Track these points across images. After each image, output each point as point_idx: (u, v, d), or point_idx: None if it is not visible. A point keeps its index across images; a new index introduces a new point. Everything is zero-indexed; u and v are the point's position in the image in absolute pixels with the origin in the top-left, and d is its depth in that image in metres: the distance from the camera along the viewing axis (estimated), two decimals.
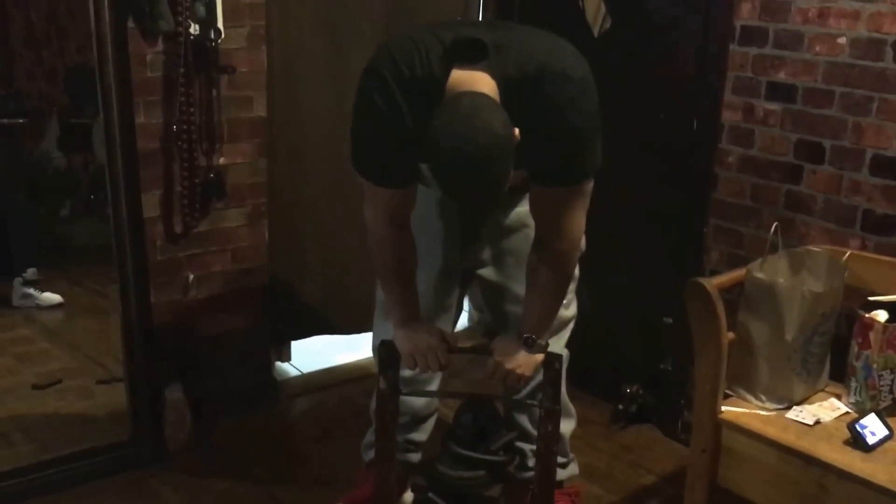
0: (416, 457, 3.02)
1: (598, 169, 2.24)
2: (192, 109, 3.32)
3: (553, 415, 2.41)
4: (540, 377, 2.46)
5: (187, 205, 3.41)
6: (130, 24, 3.14)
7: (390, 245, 2.40)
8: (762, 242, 3.02)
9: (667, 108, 3.55)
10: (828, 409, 2.79)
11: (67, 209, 5.88)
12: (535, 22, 2.39)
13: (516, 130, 1.97)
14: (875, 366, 2.71)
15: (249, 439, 3.62)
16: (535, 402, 2.50)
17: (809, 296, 2.72)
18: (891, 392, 2.73)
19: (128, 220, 3.27)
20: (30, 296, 4.86)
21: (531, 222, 2.40)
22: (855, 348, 2.76)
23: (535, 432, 2.54)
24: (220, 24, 3.30)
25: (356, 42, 3.70)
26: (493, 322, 2.90)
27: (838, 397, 2.85)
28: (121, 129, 3.18)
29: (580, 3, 3.69)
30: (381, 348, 2.46)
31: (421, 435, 3.01)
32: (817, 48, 3.06)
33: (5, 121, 4.97)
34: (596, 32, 3.67)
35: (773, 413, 2.77)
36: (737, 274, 2.92)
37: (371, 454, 2.87)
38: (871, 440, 2.57)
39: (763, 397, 2.80)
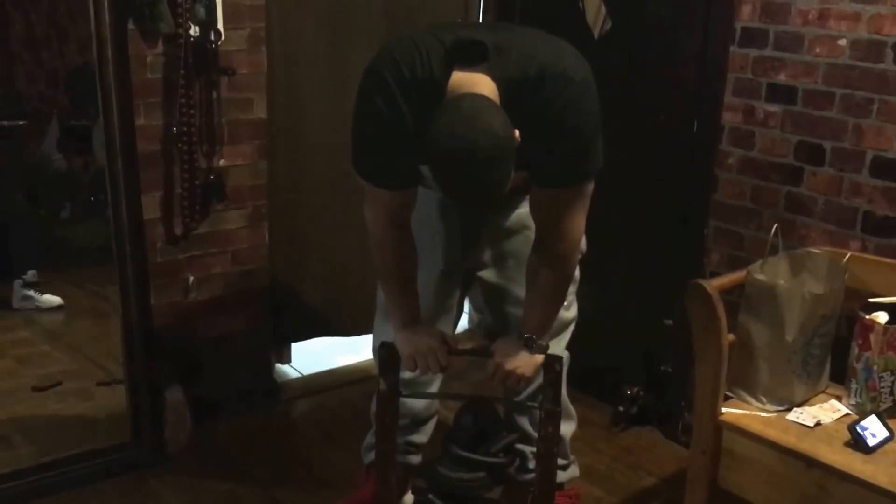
0: (416, 459, 3.02)
1: (598, 170, 2.24)
2: (192, 111, 3.32)
3: (553, 416, 2.41)
4: (540, 379, 2.46)
5: (187, 207, 3.41)
6: (130, 25, 3.14)
7: (391, 247, 2.40)
8: (762, 244, 3.02)
9: (667, 110, 3.55)
10: (828, 410, 2.79)
11: (67, 211, 5.87)
12: (536, 23, 2.39)
13: (517, 132, 1.97)
14: (875, 367, 2.71)
15: (250, 441, 3.61)
16: (536, 404, 2.50)
17: (810, 297, 2.72)
18: (891, 394, 2.73)
19: (128, 222, 3.27)
20: (30, 298, 4.85)
21: (532, 224, 2.41)
22: (855, 350, 2.76)
23: (535, 434, 2.54)
24: (220, 26, 3.30)
25: (356, 43, 3.70)
26: (493, 324, 2.90)
27: (839, 399, 2.85)
28: (121, 130, 3.18)
29: (580, 4, 3.69)
30: (382, 350, 2.46)
31: (421, 437, 3.01)
32: (818, 50, 3.06)
33: (5, 122, 4.98)
34: (596, 34, 3.67)
35: (774, 415, 2.77)
36: (737, 275, 2.91)
37: (371, 456, 2.87)
38: (871, 442, 2.57)
39: (763, 399, 2.80)
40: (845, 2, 2.96)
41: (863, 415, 2.67)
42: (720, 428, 2.77)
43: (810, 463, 2.56)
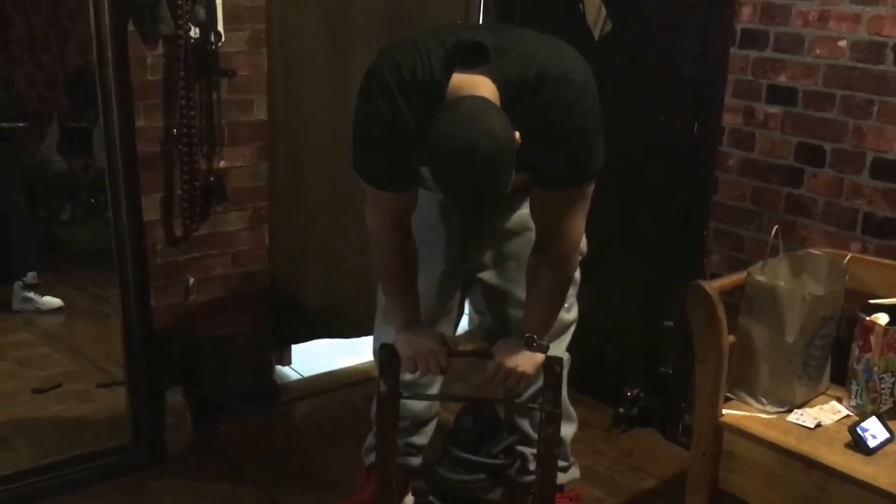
0: (416, 460, 3.01)
1: (598, 172, 2.24)
2: (192, 113, 3.32)
3: (554, 418, 2.41)
4: (540, 381, 2.46)
5: (187, 208, 3.42)
6: (130, 27, 3.14)
7: (391, 248, 2.40)
8: (763, 245, 3.02)
9: (667, 111, 3.55)
10: (829, 412, 2.79)
11: (68, 213, 5.86)
12: (536, 25, 2.39)
13: (517, 134, 1.97)
14: (876, 369, 2.71)
15: (250, 443, 3.61)
16: (536, 406, 2.49)
17: (810, 299, 2.72)
18: (892, 395, 2.73)
19: (128, 224, 3.27)
20: (30, 299, 4.85)
21: (533, 225, 2.40)
22: (856, 351, 2.76)
23: (535, 436, 2.53)
24: (220, 28, 3.30)
25: (356, 45, 3.71)
26: (493, 326, 2.90)
27: (839, 400, 2.85)
28: (121, 132, 3.18)
29: (581, 5, 3.69)
30: (382, 352, 2.46)
31: (421, 439, 3.01)
32: (818, 51, 3.06)
33: (5, 124, 4.96)
34: (596, 35, 3.67)
35: (774, 416, 2.77)
36: (737, 277, 2.91)
37: (372, 458, 2.87)
38: (872, 443, 2.57)
39: (764, 400, 2.80)
40: (845, 3, 2.96)
41: (863, 416, 2.67)
42: (720, 429, 2.77)
43: (811, 464, 2.56)
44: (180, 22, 3.19)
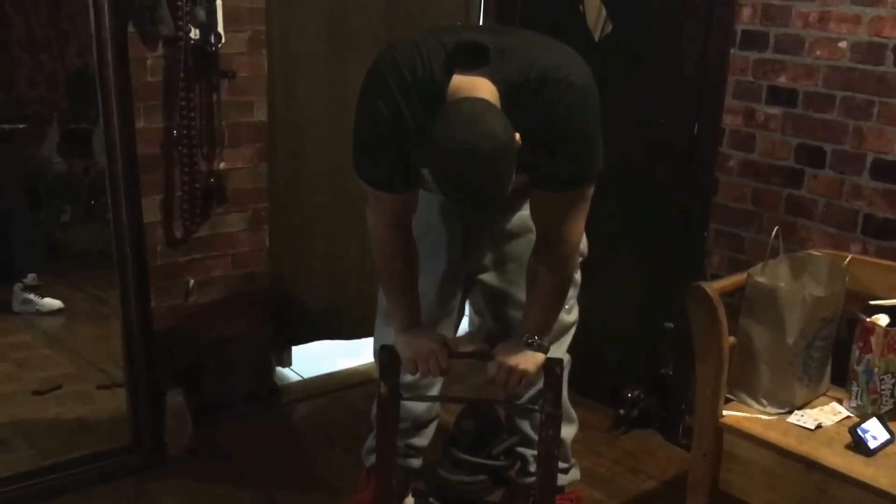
0: (416, 462, 3.01)
1: (599, 174, 2.24)
2: (192, 114, 3.32)
3: (554, 419, 2.41)
4: (541, 382, 2.46)
5: (188, 209, 3.42)
6: (130, 28, 3.14)
7: (392, 250, 2.40)
8: (763, 247, 3.02)
9: (667, 112, 3.55)
10: (829, 413, 2.79)
11: (68, 214, 5.86)
12: (536, 26, 2.39)
13: (517, 135, 1.97)
14: (876, 370, 2.71)
15: (250, 444, 3.61)
16: (537, 407, 2.49)
17: (810, 300, 2.72)
18: (892, 396, 2.73)
19: (128, 225, 3.26)
20: (30, 301, 4.85)
21: (533, 226, 2.40)
22: (856, 352, 2.76)
23: (536, 437, 2.53)
24: (220, 29, 3.30)
25: (357, 46, 3.71)
26: (494, 327, 2.90)
27: (840, 401, 2.85)
28: (121, 133, 3.18)
29: (581, 7, 3.69)
30: (382, 353, 2.46)
31: (422, 440, 3.01)
32: (818, 52, 3.06)
33: (6, 126, 4.96)
34: (597, 37, 3.67)
35: (775, 417, 2.77)
36: (738, 278, 2.91)
37: (372, 459, 2.87)
38: (872, 444, 2.57)
39: (764, 401, 2.80)
40: (845, 4, 2.96)
41: (864, 417, 2.67)
42: (721, 431, 2.77)
43: (811, 465, 2.56)
44: (180, 23, 3.19)
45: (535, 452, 2.56)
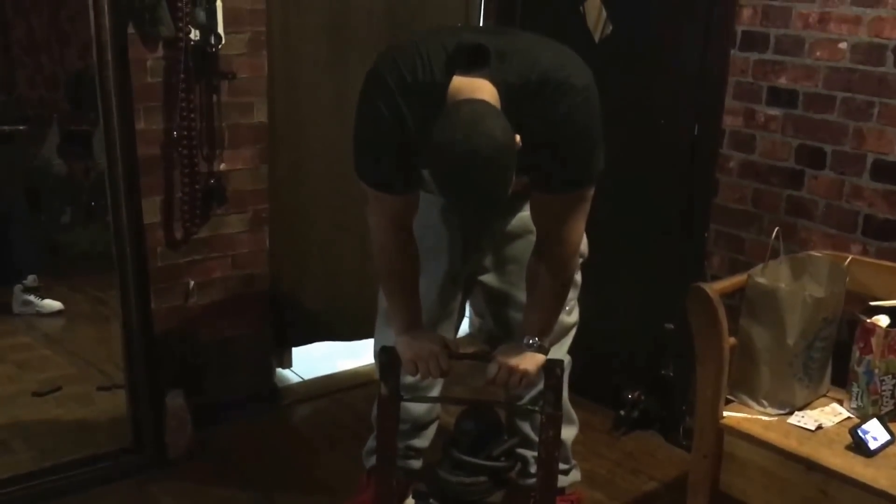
0: (417, 463, 3.01)
1: (599, 175, 2.24)
2: (192, 115, 3.32)
3: (555, 421, 2.41)
4: (541, 384, 2.46)
5: (188, 211, 3.42)
6: (131, 29, 3.14)
7: (393, 251, 2.40)
8: (763, 248, 3.02)
9: (668, 114, 3.55)
10: (829, 414, 2.79)
11: (68, 216, 5.87)
12: (537, 27, 2.39)
13: (518, 137, 1.97)
14: (877, 371, 2.70)
15: (250, 446, 3.61)
16: (537, 409, 2.49)
17: (811, 301, 2.72)
18: (892, 397, 2.72)
19: (128, 227, 3.27)
20: (30, 303, 4.85)
21: (534, 228, 2.40)
22: (856, 353, 2.76)
23: (536, 438, 2.53)
24: (220, 30, 3.29)
25: (357, 47, 3.71)
26: (494, 329, 2.90)
27: (840, 402, 2.85)
28: (121, 135, 3.18)
29: (581, 8, 3.69)
30: (382, 354, 2.46)
31: (422, 441, 3.01)
32: (818, 53, 3.06)
33: (6, 127, 4.98)
34: (597, 38, 3.67)
35: (775, 418, 2.77)
36: (738, 279, 2.91)
37: (372, 460, 2.87)
38: (872, 445, 2.57)
39: (765, 403, 2.80)
40: (846, 5, 2.96)
41: (864, 418, 2.67)
42: (721, 432, 2.77)
43: (811, 466, 2.56)
44: (180, 24, 3.19)
45: (535, 454, 2.56)
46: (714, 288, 2.74)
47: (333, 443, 3.66)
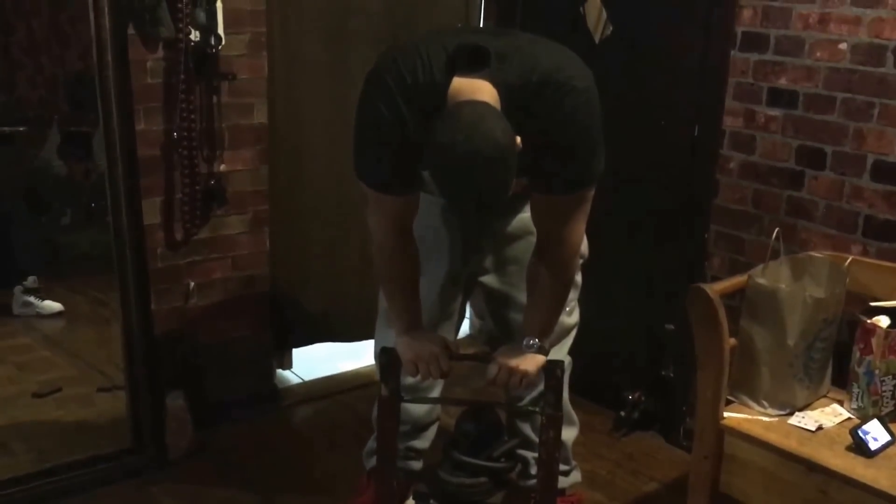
0: (417, 464, 3.01)
1: (599, 176, 2.23)
2: (192, 116, 3.32)
3: (555, 421, 2.41)
4: (542, 385, 2.45)
5: (188, 212, 3.42)
6: (131, 30, 3.14)
7: (393, 252, 2.40)
8: (764, 248, 3.02)
9: (668, 114, 3.55)
10: (830, 414, 2.79)
11: (68, 217, 5.85)
12: (537, 28, 2.39)
13: (518, 138, 1.97)
14: (877, 371, 2.70)
15: (251, 447, 3.61)
16: (537, 409, 2.49)
17: (811, 301, 2.72)
18: (893, 398, 2.72)
19: (128, 228, 3.26)
20: (30, 304, 4.84)
21: (534, 229, 2.40)
22: (857, 354, 2.76)
23: (536, 439, 2.53)
24: (220, 31, 3.29)
25: (357, 48, 3.71)
26: (494, 330, 2.90)
27: (840, 403, 2.85)
28: (121, 136, 3.18)
29: (581, 9, 3.69)
30: (383, 355, 2.46)
31: (422, 443, 3.01)
32: (818, 54, 3.06)
33: (6, 128, 4.97)
34: (597, 39, 3.67)
35: (776, 419, 2.77)
36: (738, 280, 2.91)
37: (373, 461, 2.87)
38: (873, 446, 2.57)
39: (765, 403, 2.80)
40: (846, 6, 2.96)
41: (864, 419, 2.67)
42: (722, 432, 2.77)
43: (812, 467, 2.56)
44: (180, 25, 3.19)
45: (535, 455, 2.56)
46: (714, 288, 2.74)
47: (334, 444, 3.66)
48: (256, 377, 3.86)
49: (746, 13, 3.22)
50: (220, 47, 3.31)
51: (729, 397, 2.83)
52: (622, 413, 3.75)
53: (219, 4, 3.26)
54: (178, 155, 3.35)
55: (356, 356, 4.22)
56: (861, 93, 2.97)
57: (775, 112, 3.20)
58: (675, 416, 3.67)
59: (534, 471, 2.74)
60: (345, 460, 3.42)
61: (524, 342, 2.38)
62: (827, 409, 2.82)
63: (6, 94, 5.96)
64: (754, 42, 3.22)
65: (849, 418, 2.76)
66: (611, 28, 3.65)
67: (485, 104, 1.97)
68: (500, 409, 2.94)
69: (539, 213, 2.33)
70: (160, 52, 3.24)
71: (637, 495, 3.37)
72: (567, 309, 2.69)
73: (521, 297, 2.57)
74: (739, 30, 3.25)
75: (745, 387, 2.84)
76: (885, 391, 2.72)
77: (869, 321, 2.72)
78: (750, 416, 2.78)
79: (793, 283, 2.90)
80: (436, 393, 2.90)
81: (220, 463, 3.49)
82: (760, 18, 3.18)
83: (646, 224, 3.70)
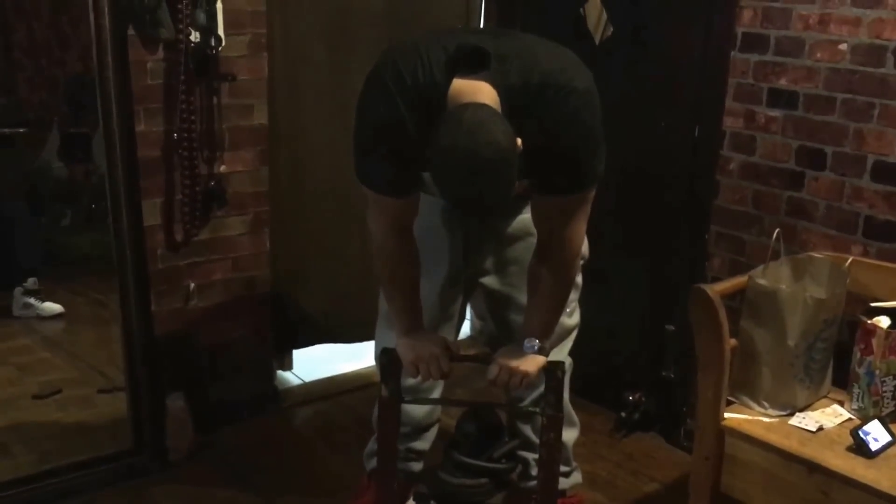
0: (417, 466, 3.01)
1: (599, 177, 2.23)
2: (192, 117, 3.32)
3: (555, 422, 2.41)
4: (542, 386, 2.45)
5: (188, 213, 3.41)
6: (131, 31, 3.14)
7: (394, 253, 2.40)
8: (764, 249, 3.02)
9: (668, 115, 3.55)
10: (831, 415, 2.79)
11: (68, 219, 5.86)
12: (537, 29, 2.39)
13: (519, 140, 1.97)
14: (878, 372, 2.70)
15: (251, 448, 3.61)
16: (538, 410, 2.49)
17: (812, 302, 2.72)
18: (893, 398, 2.72)
19: (128, 229, 3.26)
20: (30, 305, 4.84)
21: (535, 230, 2.40)
22: (857, 354, 2.76)
23: (537, 440, 2.53)
24: (220, 32, 3.29)
25: (357, 49, 3.71)
26: (495, 331, 2.90)
27: (841, 404, 2.85)
28: (121, 137, 3.18)
29: (582, 10, 3.69)
30: (383, 356, 2.46)
31: (423, 444, 3.01)
32: (818, 55, 3.06)
33: (6, 130, 4.97)
34: (597, 40, 3.67)
35: (776, 420, 2.77)
36: (739, 280, 2.91)
37: (373, 463, 2.87)
38: (874, 446, 2.57)
39: (766, 404, 2.80)
40: (846, 7, 2.96)
41: (865, 419, 2.67)
42: (722, 433, 2.77)
43: (813, 468, 2.56)
44: (181, 26, 3.19)
45: (536, 456, 2.56)
46: (715, 289, 2.74)
47: (334, 445, 3.66)
48: (257, 378, 3.86)
49: (746, 14, 3.22)
50: (220, 48, 3.31)
51: (729, 398, 2.83)
52: (623, 414, 3.75)
53: (219, 5, 3.26)
54: (178, 156, 3.35)
55: (357, 357, 4.22)
56: (861, 93, 2.97)
57: (775, 113, 3.20)
58: (676, 417, 3.67)
59: (534, 472, 2.74)
60: (345, 461, 3.42)
61: (525, 343, 2.38)
62: (827, 410, 2.82)
63: (6, 95, 5.96)
64: (754, 43, 3.22)
65: (849, 419, 2.76)
66: (611, 29, 3.65)
67: (486, 107, 1.97)
68: (500, 410, 2.94)
69: (540, 214, 2.33)
70: (160, 54, 3.24)
71: (638, 496, 3.37)
72: (568, 310, 2.69)
73: (522, 298, 2.57)
74: (740, 30, 3.25)
75: (746, 387, 2.84)
76: (885, 392, 2.72)
77: (869, 322, 2.72)
78: (750, 417, 2.78)
79: (793, 284, 2.90)
80: (436, 394, 2.90)
81: (220, 464, 3.48)
82: (761, 19, 3.19)
83: (646, 225, 3.70)
